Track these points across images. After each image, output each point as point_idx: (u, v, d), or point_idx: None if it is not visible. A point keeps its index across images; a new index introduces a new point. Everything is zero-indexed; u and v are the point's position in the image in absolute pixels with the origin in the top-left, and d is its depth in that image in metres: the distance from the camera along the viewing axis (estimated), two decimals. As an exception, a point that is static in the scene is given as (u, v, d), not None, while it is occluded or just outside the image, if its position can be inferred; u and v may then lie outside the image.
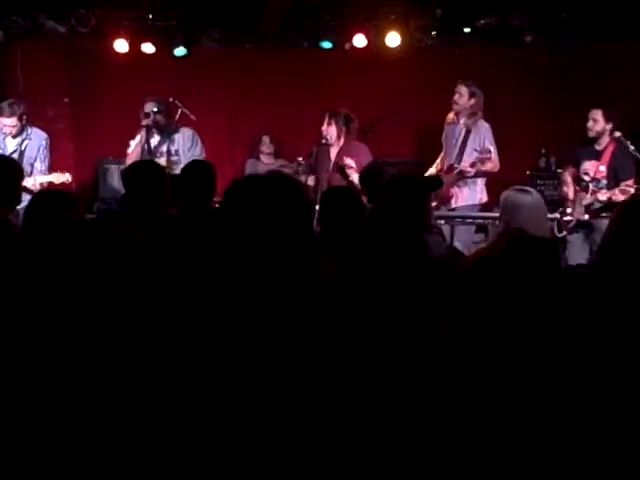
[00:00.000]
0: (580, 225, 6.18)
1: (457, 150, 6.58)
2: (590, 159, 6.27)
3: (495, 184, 6.41)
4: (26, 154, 6.48)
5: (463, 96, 6.54)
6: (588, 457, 2.21)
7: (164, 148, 6.59)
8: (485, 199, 6.60)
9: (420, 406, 2.21)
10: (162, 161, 6.47)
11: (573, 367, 2.38)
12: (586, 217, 6.15)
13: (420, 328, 2.53)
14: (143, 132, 6.47)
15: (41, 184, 6.35)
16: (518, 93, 7.88)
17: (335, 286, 2.46)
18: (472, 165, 6.36)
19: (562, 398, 2.28)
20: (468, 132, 6.57)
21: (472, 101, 6.53)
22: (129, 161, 6.52)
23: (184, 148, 6.62)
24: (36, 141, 6.55)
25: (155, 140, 6.59)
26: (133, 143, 6.58)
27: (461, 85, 6.55)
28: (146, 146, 6.46)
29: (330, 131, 6.42)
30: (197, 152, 6.62)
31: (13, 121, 6.46)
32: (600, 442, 2.23)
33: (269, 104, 8.19)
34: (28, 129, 6.58)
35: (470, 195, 6.60)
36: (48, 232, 2.78)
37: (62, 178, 6.44)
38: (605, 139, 6.23)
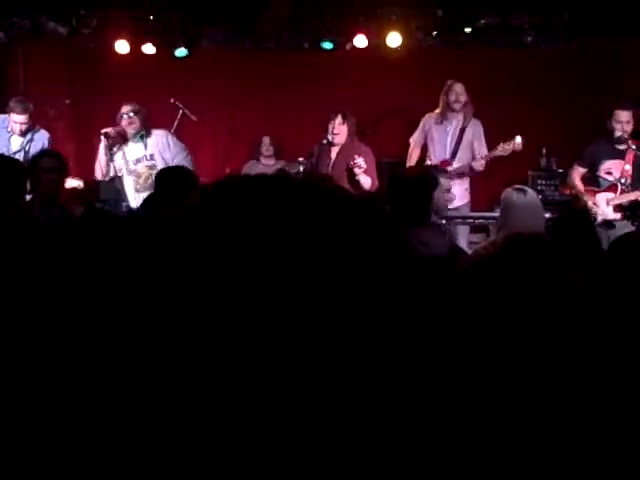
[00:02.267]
0: (602, 225, 6.05)
1: (452, 147, 6.62)
2: (612, 158, 6.22)
3: (497, 184, 6.42)
4: (30, 154, 6.35)
5: (463, 93, 6.60)
6: (586, 457, 2.21)
7: (130, 155, 6.42)
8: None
9: (416, 405, 2.21)
10: (133, 168, 6.41)
11: (570, 368, 2.38)
12: (618, 216, 6.07)
13: (407, 326, 2.53)
14: (102, 140, 6.33)
15: None
16: (519, 93, 7.88)
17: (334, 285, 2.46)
18: (485, 160, 6.48)
19: (559, 398, 2.28)
20: (463, 129, 6.62)
21: (468, 97, 6.65)
22: (96, 170, 6.45)
23: (161, 150, 6.42)
24: (39, 141, 6.52)
25: (116, 147, 6.43)
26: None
27: (459, 83, 6.64)
28: (105, 154, 6.33)
29: (342, 130, 6.42)
30: (174, 153, 6.43)
31: (25, 118, 6.44)
32: (598, 443, 2.23)
33: (270, 104, 8.20)
34: (32, 129, 6.56)
35: (463, 193, 6.66)
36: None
37: (74, 183, 6.39)
38: (629, 139, 6.18)
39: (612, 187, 6.22)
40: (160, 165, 6.29)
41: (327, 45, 7.61)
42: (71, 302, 2.58)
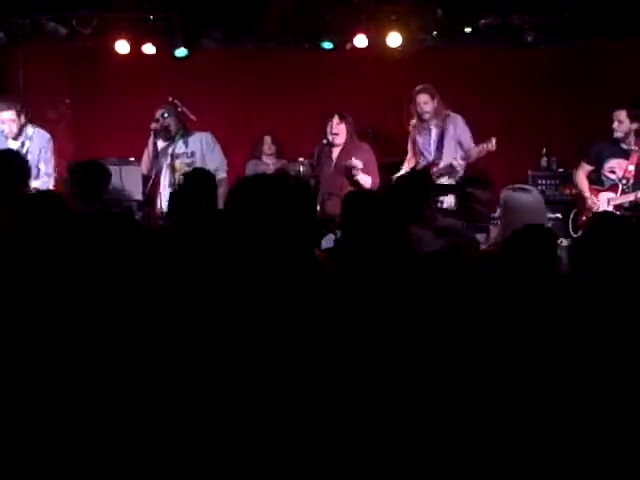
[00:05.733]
0: None
1: (435, 149, 6.62)
2: (616, 157, 6.24)
3: (497, 185, 6.42)
4: (27, 156, 6.13)
5: (428, 103, 6.60)
6: (586, 457, 2.20)
7: (171, 150, 6.58)
8: None
9: (417, 404, 2.20)
10: (170, 162, 6.56)
11: (569, 365, 2.37)
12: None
13: (412, 324, 2.53)
14: (151, 136, 6.47)
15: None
16: (519, 93, 7.88)
17: (336, 284, 2.46)
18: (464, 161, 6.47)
19: (559, 395, 2.27)
20: (442, 131, 6.61)
21: (435, 102, 6.63)
22: (142, 165, 6.60)
23: (205, 150, 6.65)
24: (38, 142, 6.38)
25: (161, 144, 6.58)
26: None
27: (421, 94, 6.64)
28: (152, 150, 6.48)
29: (340, 129, 6.44)
30: (215, 154, 6.70)
31: (11, 114, 6.30)
32: (597, 442, 2.22)
33: (270, 104, 8.20)
34: (29, 130, 6.42)
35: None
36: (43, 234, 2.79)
37: None
38: (632, 138, 6.19)
39: (614, 187, 6.23)
40: (199, 163, 6.51)
41: (327, 45, 7.60)
42: (71, 301, 2.58)
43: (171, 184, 6.50)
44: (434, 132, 6.67)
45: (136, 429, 2.19)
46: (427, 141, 6.71)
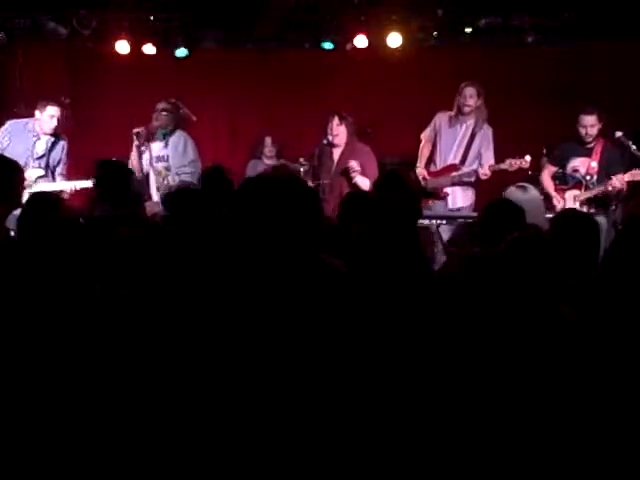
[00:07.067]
0: None
1: (461, 151, 6.61)
2: (579, 156, 6.38)
3: (497, 184, 6.42)
4: (51, 157, 6.47)
5: (473, 97, 6.56)
6: (587, 456, 2.20)
7: (151, 152, 6.55)
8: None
9: (420, 403, 2.20)
10: (157, 166, 6.53)
11: (570, 366, 2.37)
12: (584, 210, 6.12)
13: (420, 324, 2.52)
14: (134, 139, 6.45)
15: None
16: (519, 93, 7.88)
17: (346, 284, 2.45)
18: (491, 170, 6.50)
19: (559, 396, 2.27)
20: (473, 135, 6.60)
21: (479, 101, 6.59)
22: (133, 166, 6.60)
23: (173, 153, 6.57)
24: (60, 144, 6.54)
25: (153, 144, 6.58)
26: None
27: (470, 87, 6.59)
28: (136, 153, 6.47)
29: (340, 130, 6.44)
30: (176, 157, 6.56)
31: (56, 110, 6.44)
32: (599, 442, 2.22)
33: (270, 105, 8.20)
34: (59, 133, 6.56)
35: (468, 195, 6.66)
36: (43, 234, 2.79)
37: (84, 184, 6.39)
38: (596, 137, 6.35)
39: (578, 184, 6.38)
40: (173, 168, 6.47)
41: (327, 45, 7.60)
42: (73, 301, 2.58)
43: (158, 188, 6.51)
44: (463, 131, 6.64)
45: (138, 429, 2.19)
46: (451, 138, 6.69)
